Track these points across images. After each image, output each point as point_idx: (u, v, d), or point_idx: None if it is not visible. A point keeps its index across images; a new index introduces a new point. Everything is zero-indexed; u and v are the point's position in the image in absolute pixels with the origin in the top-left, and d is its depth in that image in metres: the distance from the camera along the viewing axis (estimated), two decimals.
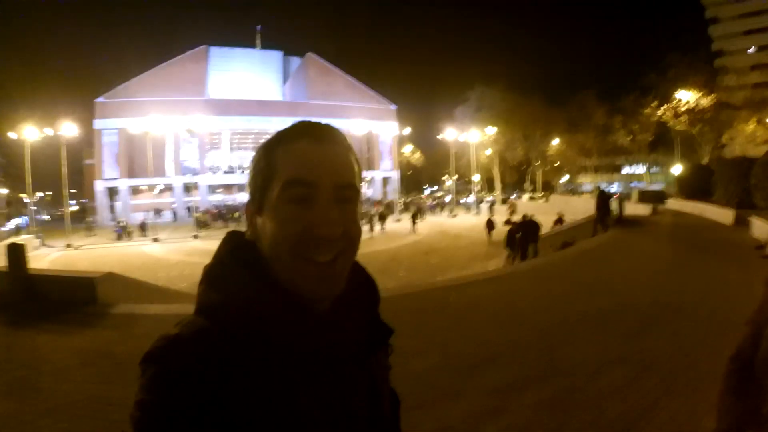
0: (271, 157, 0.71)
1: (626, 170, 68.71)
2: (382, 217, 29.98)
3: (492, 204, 43.72)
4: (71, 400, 4.08)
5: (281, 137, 0.73)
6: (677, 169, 36.74)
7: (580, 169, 62.77)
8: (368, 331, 0.78)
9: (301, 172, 0.68)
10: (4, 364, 5.06)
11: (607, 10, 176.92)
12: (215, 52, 61.96)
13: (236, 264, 0.71)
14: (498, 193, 56.71)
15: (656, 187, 50.80)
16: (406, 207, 41.01)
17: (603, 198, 15.77)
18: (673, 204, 24.56)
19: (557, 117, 51.38)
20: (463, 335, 5.47)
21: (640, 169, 62.71)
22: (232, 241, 0.76)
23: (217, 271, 0.72)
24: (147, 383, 0.61)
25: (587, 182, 66.62)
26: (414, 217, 31.66)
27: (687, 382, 3.93)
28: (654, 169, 61.26)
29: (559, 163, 58.60)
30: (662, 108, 41.33)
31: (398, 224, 31.78)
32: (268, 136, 0.75)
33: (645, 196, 29.28)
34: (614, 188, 63.79)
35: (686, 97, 39.18)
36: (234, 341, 0.64)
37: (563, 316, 6.05)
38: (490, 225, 24.85)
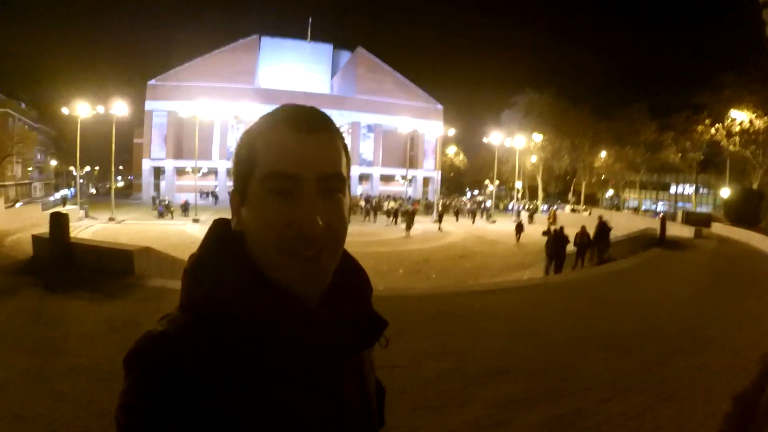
0: (252, 145, 0.67)
1: (674, 189, 66.33)
2: (411, 215, 29.78)
3: (533, 212, 42.84)
4: (93, 362, 4.29)
5: (262, 124, 0.69)
6: (726, 192, 35.27)
7: (626, 184, 60.79)
8: (361, 324, 0.73)
9: (282, 163, 0.64)
10: (33, 325, 5.35)
11: (663, 26, 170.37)
12: (266, 42, 62.83)
13: (221, 256, 0.68)
14: (539, 202, 55.50)
15: (703, 209, 48.89)
16: (444, 209, 40.63)
17: (603, 229, 15.23)
18: (719, 228, 23.62)
19: (606, 129, 49.90)
20: (481, 343, 5.44)
21: (688, 189, 60.43)
22: (218, 231, 0.73)
23: (200, 263, 0.69)
24: (131, 386, 0.58)
25: (633, 198, 64.54)
26: (440, 217, 31.82)
27: (704, 420, 3.79)
28: (703, 191, 58.90)
29: (605, 176, 56.92)
30: (716, 126, 39.64)
31: (436, 225, 31.67)
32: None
33: (690, 218, 28.35)
34: (660, 207, 61.72)
35: (740, 117, 37.41)
36: (220, 337, 0.61)
37: (584, 336, 5.94)
38: (519, 228, 25.18)
